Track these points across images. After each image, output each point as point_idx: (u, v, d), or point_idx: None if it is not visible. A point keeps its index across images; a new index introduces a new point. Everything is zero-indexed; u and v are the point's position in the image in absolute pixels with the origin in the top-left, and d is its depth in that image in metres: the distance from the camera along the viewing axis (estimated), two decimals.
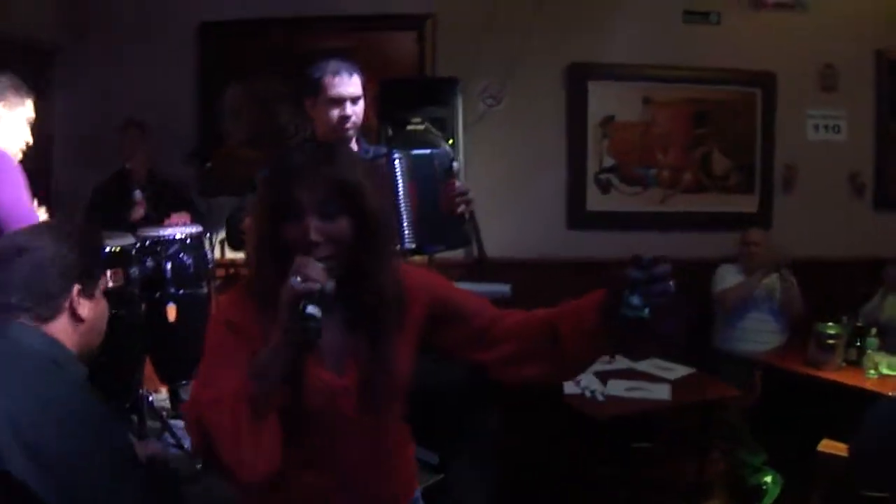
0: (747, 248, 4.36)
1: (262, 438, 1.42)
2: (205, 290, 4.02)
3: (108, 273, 3.61)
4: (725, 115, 4.84)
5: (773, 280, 4.25)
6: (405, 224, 2.78)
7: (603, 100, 4.78)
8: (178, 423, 4.29)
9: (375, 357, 1.56)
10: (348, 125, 2.79)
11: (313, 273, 1.41)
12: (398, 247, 2.80)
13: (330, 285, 1.43)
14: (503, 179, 4.71)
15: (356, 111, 2.80)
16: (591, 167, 4.81)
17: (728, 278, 4.36)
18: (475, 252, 4.60)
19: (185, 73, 4.77)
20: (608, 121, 4.80)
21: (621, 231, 4.79)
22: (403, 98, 4.11)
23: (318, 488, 1.59)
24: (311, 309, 1.39)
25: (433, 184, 2.82)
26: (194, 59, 4.79)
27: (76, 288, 1.67)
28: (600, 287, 1.45)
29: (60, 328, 1.65)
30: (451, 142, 4.04)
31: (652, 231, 4.80)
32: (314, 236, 1.47)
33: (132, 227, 3.96)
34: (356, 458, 1.61)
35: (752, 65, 4.79)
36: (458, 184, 2.85)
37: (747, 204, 4.89)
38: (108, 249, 3.63)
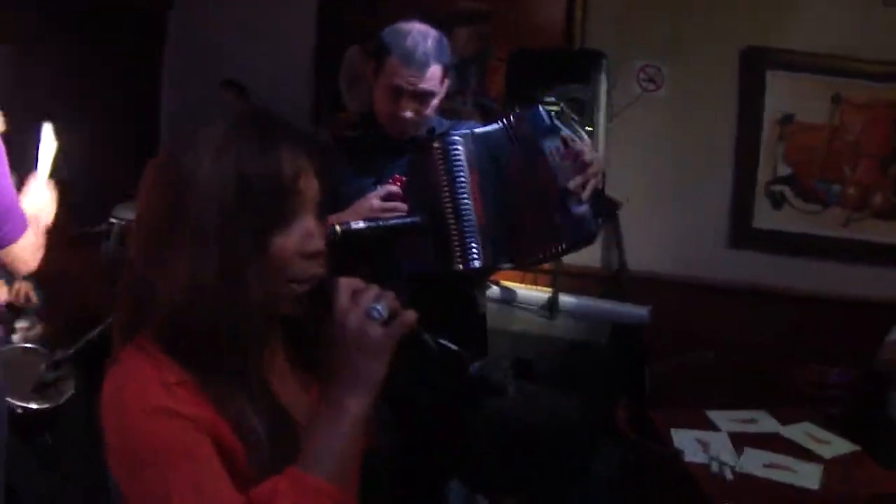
0: None
1: None
2: None
3: None
4: None
5: None
6: (468, 232, 2.13)
7: (783, 94, 4.03)
8: None
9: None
10: (404, 127, 2.23)
11: (389, 296, 1.05)
12: (459, 266, 2.13)
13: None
14: (654, 179, 4.12)
15: (420, 109, 2.21)
16: (763, 175, 4.08)
17: None
18: (616, 263, 4.09)
19: (304, 34, 4.50)
20: (787, 120, 4.04)
21: (791, 256, 4.08)
22: (538, 72, 3.56)
23: None
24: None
25: (509, 168, 2.16)
26: (314, 18, 4.50)
27: None
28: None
29: None
30: (589, 129, 3.49)
31: (828, 260, 4.05)
32: (322, 243, 1.09)
33: None
34: None
35: None
36: (577, 147, 2.09)
37: None
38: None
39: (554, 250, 2.17)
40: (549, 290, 3.83)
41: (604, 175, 2.21)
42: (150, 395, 0.99)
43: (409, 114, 2.20)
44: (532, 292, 3.92)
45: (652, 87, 4.08)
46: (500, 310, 3.78)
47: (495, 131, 2.21)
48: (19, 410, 2.74)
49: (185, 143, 1.07)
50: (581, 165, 2.09)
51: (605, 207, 2.30)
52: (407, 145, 2.29)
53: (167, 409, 0.98)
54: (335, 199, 2.24)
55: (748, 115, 4.06)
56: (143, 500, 0.98)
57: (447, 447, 2.47)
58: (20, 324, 3.28)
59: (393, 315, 1.03)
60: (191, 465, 0.96)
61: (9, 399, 2.75)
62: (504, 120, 2.21)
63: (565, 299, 3.85)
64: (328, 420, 1.01)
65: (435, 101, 2.26)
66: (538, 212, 2.13)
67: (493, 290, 3.81)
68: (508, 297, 3.90)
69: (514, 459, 3.24)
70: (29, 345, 3.14)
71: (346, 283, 1.04)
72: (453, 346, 1.07)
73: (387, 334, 1.02)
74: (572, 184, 2.07)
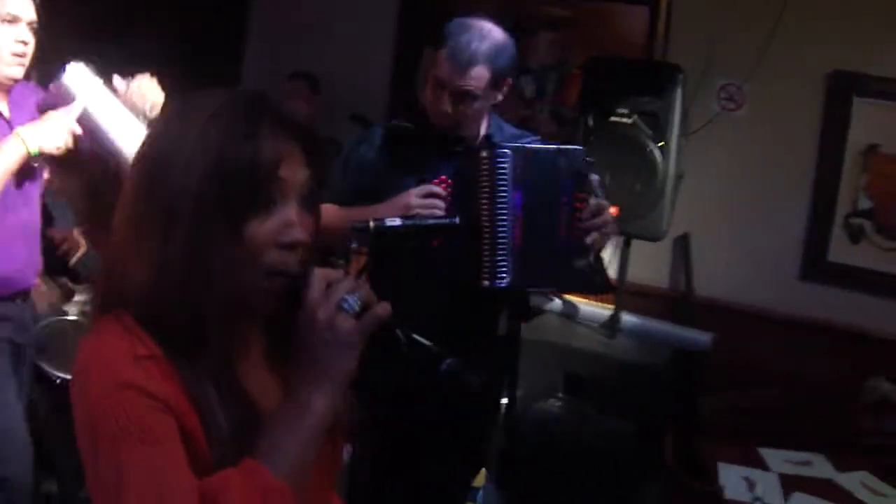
0: None
1: None
2: None
3: None
4: None
5: None
6: (501, 249, 2.10)
7: (869, 122, 3.83)
8: None
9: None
10: (446, 120, 2.19)
11: (363, 288, 1.02)
12: (486, 282, 2.11)
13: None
14: (727, 202, 3.97)
15: (458, 108, 2.17)
16: (842, 207, 3.89)
17: None
18: (683, 285, 3.97)
19: (384, 32, 4.52)
20: (872, 150, 3.84)
21: (865, 293, 3.86)
22: (613, 82, 3.47)
23: None
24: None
25: (551, 195, 2.12)
26: (395, 17, 4.52)
27: None
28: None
29: None
30: (661, 144, 3.38)
31: None
32: (302, 234, 1.02)
33: None
34: None
35: None
36: (592, 201, 2.12)
37: None
38: None
39: (544, 290, 2.23)
40: (612, 307, 3.73)
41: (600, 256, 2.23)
42: (117, 369, 0.94)
43: (447, 108, 2.17)
44: (594, 308, 3.82)
45: (731, 105, 3.93)
46: (559, 324, 3.70)
47: (546, 152, 2.17)
48: (58, 381, 2.78)
49: (177, 115, 1.05)
50: (599, 223, 2.10)
51: (599, 283, 2.29)
52: (456, 147, 2.25)
53: (133, 384, 0.93)
54: (376, 193, 2.21)
55: (830, 142, 3.88)
56: (99, 473, 0.94)
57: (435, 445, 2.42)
58: (78, 297, 3.29)
59: (365, 308, 0.99)
60: (149, 445, 0.91)
61: (51, 369, 2.79)
62: (557, 144, 2.20)
63: (627, 318, 3.73)
64: (291, 415, 0.98)
65: (477, 105, 2.20)
66: (551, 248, 2.14)
67: (555, 304, 3.74)
68: (569, 312, 3.80)
69: (557, 476, 3.18)
70: (75, 318, 3.15)
71: (320, 274, 1.00)
72: (426, 342, 1.03)
73: (357, 328, 0.99)
74: (589, 238, 2.09)
